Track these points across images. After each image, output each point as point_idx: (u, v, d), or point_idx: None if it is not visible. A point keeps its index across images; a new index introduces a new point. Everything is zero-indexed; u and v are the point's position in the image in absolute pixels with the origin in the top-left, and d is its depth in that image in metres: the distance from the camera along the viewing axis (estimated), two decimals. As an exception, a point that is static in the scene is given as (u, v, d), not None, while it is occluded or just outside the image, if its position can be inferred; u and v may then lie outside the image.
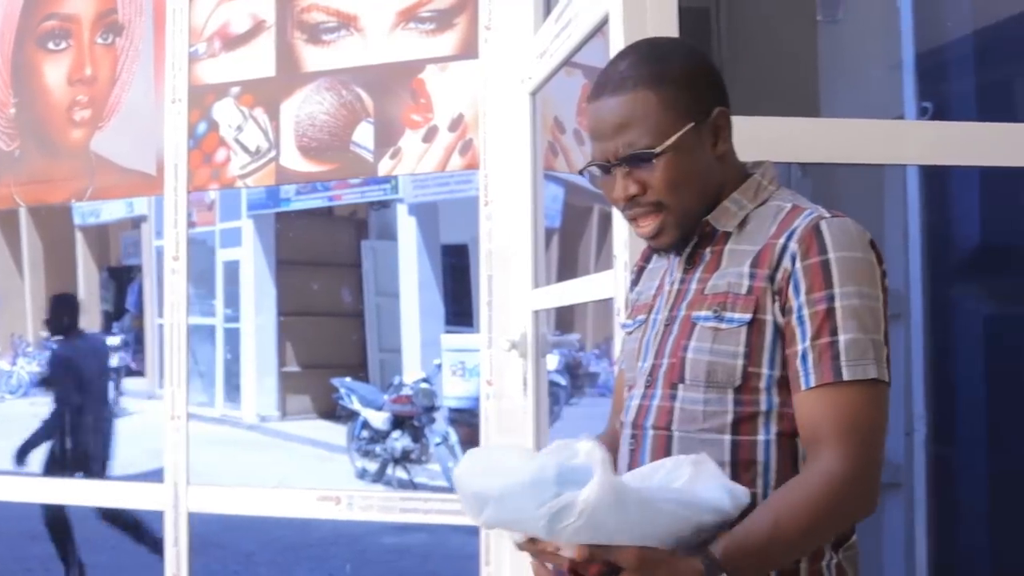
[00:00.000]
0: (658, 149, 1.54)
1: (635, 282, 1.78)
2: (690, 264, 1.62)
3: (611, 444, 1.71)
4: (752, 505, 1.47)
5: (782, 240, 1.52)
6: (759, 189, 1.61)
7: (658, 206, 1.57)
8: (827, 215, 1.52)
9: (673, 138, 1.54)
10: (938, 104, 3.29)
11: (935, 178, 3.28)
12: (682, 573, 1.35)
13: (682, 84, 1.56)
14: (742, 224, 1.59)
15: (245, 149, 3.49)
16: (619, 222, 2.16)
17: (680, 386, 1.55)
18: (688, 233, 1.60)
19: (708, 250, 1.60)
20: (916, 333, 3.21)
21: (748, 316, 1.51)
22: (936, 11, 3.43)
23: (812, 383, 1.46)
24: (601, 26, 2.38)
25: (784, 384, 1.51)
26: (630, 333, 1.70)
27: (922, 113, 3.28)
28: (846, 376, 1.45)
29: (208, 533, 6.67)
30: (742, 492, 1.43)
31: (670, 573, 1.35)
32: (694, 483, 1.41)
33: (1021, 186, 3.29)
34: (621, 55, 1.63)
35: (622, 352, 1.76)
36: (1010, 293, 3.30)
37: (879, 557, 3.29)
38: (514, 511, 1.34)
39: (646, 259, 1.78)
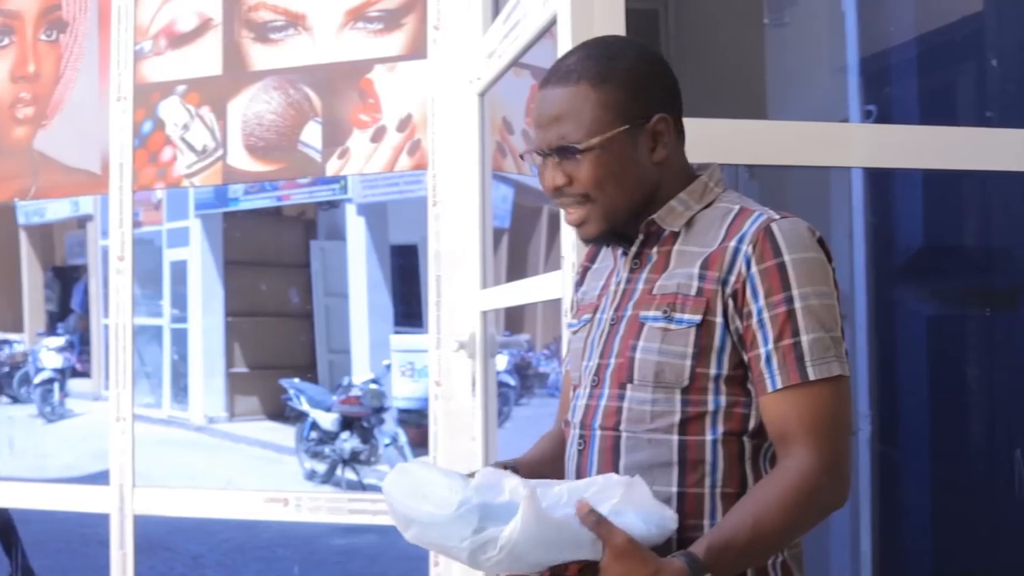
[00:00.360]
0: (582, 145, 1.56)
1: (580, 282, 1.79)
2: (636, 264, 1.62)
3: (557, 443, 1.73)
4: (697, 509, 1.50)
5: (733, 243, 1.53)
6: (705, 190, 1.62)
7: (584, 197, 1.59)
8: (776, 216, 1.54)
9: (600, 137, 1.55)
10: (882, 107, 3.33)
11: (879, 180, 3.31)
12: (664, 571, 1.36)
13: (624, 85, 1.57)
14: (689, 225, 1.60)
15: (191, 148, 3.47)
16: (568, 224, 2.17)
17: (628, 386, 1.56)
18: (616, 228, 1.61)
19: (655, 250, 1.61)
20: (860, 333, 3.25)
21: (698, 317, 1.52)
22: (880, 16, 3.47)
23: (779, 384, 1.48)
24: (549, 27, 2.39)
25: (731, 384, 1.52)
26: (575, 332, 1.71)
27: (866, 116, 3.32)
28: (812, 376, 1.47)
29: (155, 535, 6.62)
30: (670, 519, 1.45)
31: (653, 570, 1.36)
32: (623, 506, 1.41)
33: (963, 188, 3.34)
34: (575, 49, 1.64)
35: (568, 351, 1.76)
36: (952, 294, 3.34)
37: (826, 555, 3.32)
38: (439, 538, 1.38)
39: (591, 259, 1.79)
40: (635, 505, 1.42)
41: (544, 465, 1.73)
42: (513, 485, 1.35)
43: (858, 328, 3.25)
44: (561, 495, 1.42)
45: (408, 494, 1.43)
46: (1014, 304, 3.31)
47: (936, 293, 3.33)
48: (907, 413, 3.37)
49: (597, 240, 1.65)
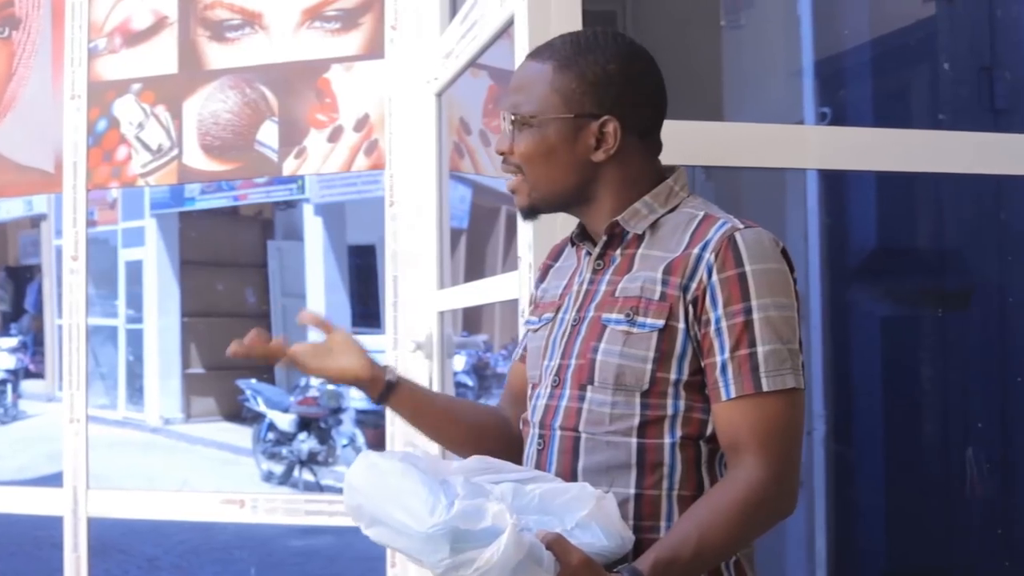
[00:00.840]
0: (521, 118, 1.60)
1: (541, 279, 1.79)
2: (600, 265, 1.62)
3: (476, 412, 1.84)
4: (654, 511, 1.51)
5: (696, 250, 1.53)
6: (671, 194, 1.62)
7: (518, 168, 1.63)
8: (741, 226, 1.54)
9: (542, 116, 1.58)
10: (836, 110, 3.36)
11: (834, 182, 3.34)
12: None
13: (585, 78, 1.58)
14: (654, 228, 1.60)
15: (146, 147, 3.44)
16: (524, 224, 2.17)
17: (589, 387, 1.56)
18: (539, 208, 1.65)
19: (618, 252, 1.61)
20: (815, 334, 3.27)
21: (661, 322, 1.52)
22: (835, 19, 3.50)
23: (733, 394, 1.49)
24: (507, 28, 2.39)
25: (689, 390, 1.53)
26: (536, 330, 1.70)
27: (821, 118, 3.35)
28: (766, 387, 1.48)
29: (109, 538, 6.56)
30: (629, 539, 1.46)
31: None
32: (590, 519, 1.42)
33: (916, 190, 3.38)
34: (575, 31, 1.69)
35: (525, 349, 1.77)
36: (905, 295, 3.38)
37: (781, 554, 3.35)
38: (409, 548, 1.37)
39: (554, 257, 1.79)
40: (602, 520, 1.43)
41: (433, 400, 1.83)
42: (497, 511, 1.34)
43: (813, 328, 3.28)
44: (533, 498, 1.43)
45: (379, 495, 1.41)
46: (966, 305, 3.35)
47: (889, 294, 3.36)
48: (861, 413, 3.40)
49: (526, 214, 1.67)
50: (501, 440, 1.77)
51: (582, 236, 1.67)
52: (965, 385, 3.37)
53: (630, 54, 1.62)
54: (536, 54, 1.63)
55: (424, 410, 1.79)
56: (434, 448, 2.40)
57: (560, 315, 1.65)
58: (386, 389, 1.74)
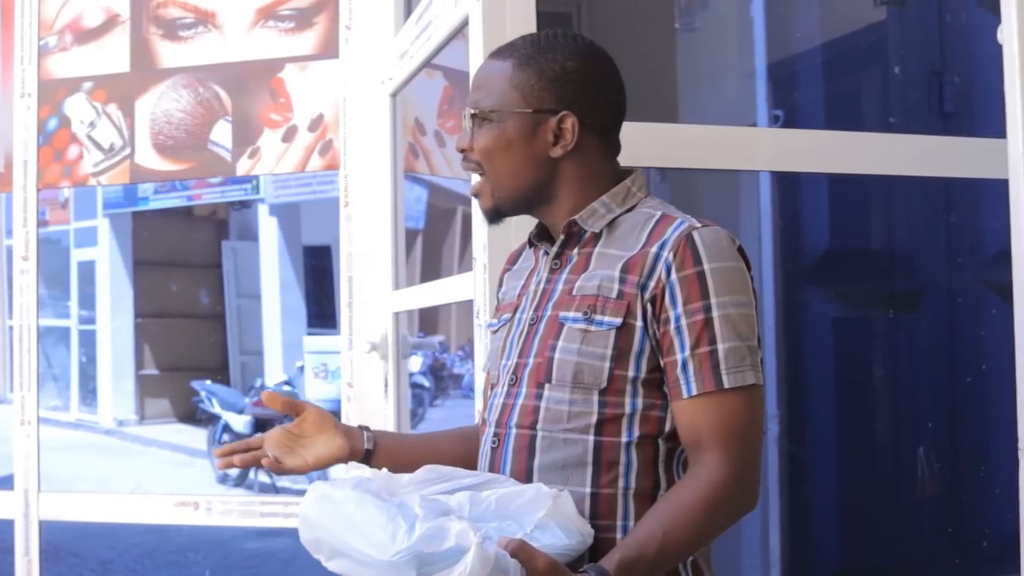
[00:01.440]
0: (481, 112, 1.61)
1: (500, 286, 1.80)
2: (557, 264, 1.63)
3: (461, 439, 1.79)
4: (609, 510, 1.52)
5: (654, 249, 1.54)
6: (628, 195, 1.63)
7: (478, 166, 1.64)
8: (698, 225, 1.55)
9: (500, 110, 1.60)
10: (789, 112, 3.39)
11: (787, 184, 3.37)
12: None
13: (544, 74, 1.59)
14: (611, 227, 1.61)
15: (98, 146, 3.41)
16: (479, 225, 2.17)
17: (547, 385, 1.56)
18: (501, 208, 1.65)
19: (575, 251, 1.62)
20: (768, 334, 3.30)
21: (618, 320, 1.53)
22: (787, 23, 3.52)
23: (694, 391, 1.50)
24: (461, 28, 2.39)
25: (648, 387, 1.53)
26: (495, 331, 1.71)
27: (774, 121, 3.37)
28: (727, 384, 1.49)
29: (62, 541, 6.48)
30: (589, 534, 1.47)
31: None
32: (548, 519, 1.42)
33: (867, 192, 3.41)
34: (536, 32, 1.73)
35: (488, 352, 1.77)
36: (857, 296, 3.41)
37: (737, 552, 3.37)
38: None
39: (511, 262, 1.80)
40: (560, 519, 1.43)
41: (415, 448, 1.80)
42: (460, 529, 1.34)
43: (766, 329, 3.30)
44: (490, 504, 1.43)
45: (337, 527, 1.40)
46: (916, 306, 3.39)
47: (841, 294, 3.39)
48: (814, 412, 3.43)
49: (490, 217, 1.67)
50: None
51: (540, 236, 1.68)
52: (915, 385, 3.41)
53: (589, 53, 1.63)
54: (497, 53, 1.65)
55: (407, 461, 1.75)
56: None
57: (517, 315, 1.66)
58: (365, 456, 1.74)
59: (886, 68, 3.39)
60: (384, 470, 1.55)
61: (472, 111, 1.62)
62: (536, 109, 1.59)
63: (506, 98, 1.60)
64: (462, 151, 1.65)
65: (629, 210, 1.62)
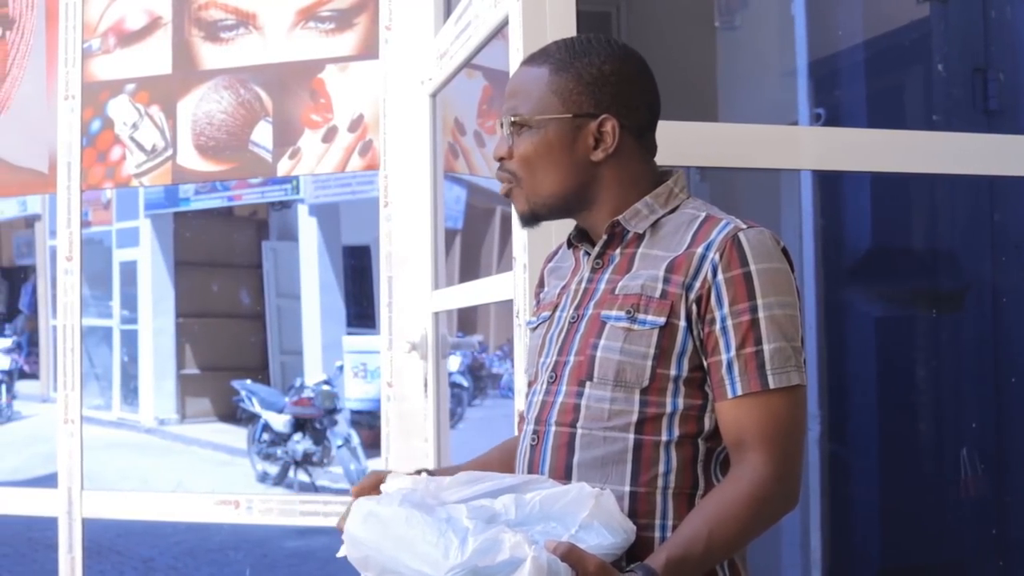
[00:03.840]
0: (521, 120, 1.61)
1: (540, 285, 1.80)
2: (599, 264, 1.63)
3: (510, 451, 1.75)
4: (648, 509, 1.52)
5: (700, 250, 1.54)
6: (671, 196, 1.63)
7: (513, 175, 1.64)
8: (743, 226, 1.55)
9: (539, 117, 1.60)
10: (830, 110, 3.36)
11: (828, 183, 3.34)
12: None
13: (582, 79, 1.60)
14: (654, 228, 1.61)
15: (140, 147, 3.44)
16: (519, 225, 2.17)
17: (588, 383, 1.57)
18: (539, 213, 1.65)
19: (618, 251, 1.62)
20: (810, 334, 3.28)
21: (662, 320, 1.53)
22: (829, 20, 3.50)
23: (739, 391, 1.50)
24: (501, 28, 2.39)
25: (689, 387, 1.54)
26: (534, 329, 1.72)
27: (815, 119, 3.35)
28: (772, 384, 1.49)
29: (104, 539, 6.55)
30: (631, 530, 1.47)
31: None
32: (592, 519, 1.43)
33: (910, 191, 3.38)
34: (568, 37, 1.70)
35: (527, 349, 1.77)
36: (899, 295, 3.38)
37: (777, 552, 3.35)
38: None
39: (550, 259, 1.80)
40: (603, 518, 1.44)
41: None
42: (515, 542, 1.33)
43: (808, 329, 3.28)
44: (534, 506, 1.44)
45: (386, 545, 1.40)
46: (960, 305, 3.35)
47: (884, 294, 3.36)
48: (856, 413, 3.40)
49: (526, 221, 1.68)
50: None
51: (580, 237, 1.69)
52: (959, 385, 3.38)
53: (624, 56, 1.64)
54: (531, 60, 1.65)
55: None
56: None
57: (558, 313, 1.66)
58: None
59: (929, 65, 3.35)
60: (424, 474, 1.55)
61: (512, 118, 1.62)
62: (576, 114, 1.60)
63: (545, 104, 1.60)
64: (500, 159, 1.65)
65: (672, 211, 1.63)
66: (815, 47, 3.40)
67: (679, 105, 1.97)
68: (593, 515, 1.43)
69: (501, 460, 1.78)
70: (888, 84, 3.44)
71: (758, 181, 3.32)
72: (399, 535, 1.40)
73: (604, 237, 1.63)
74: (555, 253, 1.79)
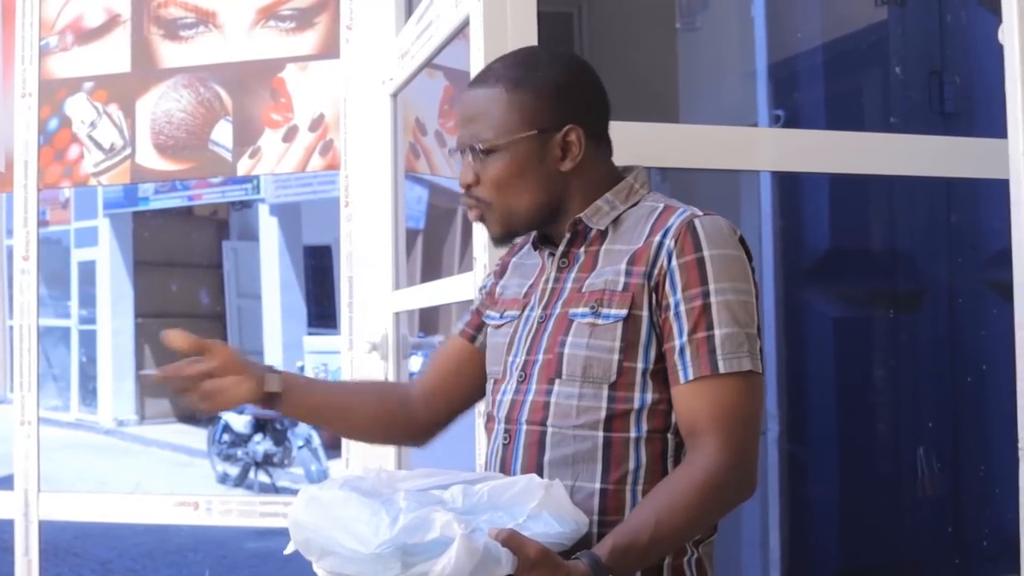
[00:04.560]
0: (487, 145, 1.60)
1: (500, 274, 1.80)
2: (564, 263, 1.64)
3: (379, 395, 1.86)
4: (618, 505, 1.53)
5: (658, 238, 1.55)
6: (631, 191, 1.65)
7: (480, 201, 1.63)
8: (700, 214, 1.57)
9: (507, 139, 1.59)
10: (790, 112, 3.39)
11: (787, 184, 3.37)
12: (571, 574, 1.37)
13: (539, 93, 1.60)
14: (616, 224, 1.62)
15: (99, 146, 3.41)
16: (480, 226, 2.17)
17: (557, 381, 1.58)
18: (514, 231, 1.66)
19: (582, 250, 1.63)
20: (769, 334, 3.30)
21: (624, 312, 1.54)
22: (788, 23, 3.52)
23: (690, 376, 1.50)
24: (462, 28, 2.39)
25: (657, 380, 1.54)
26: (499, 327, 1.72)
27: (775, 121, 3.37)
28: (722, 369, 1.49)
29: (62, 541, 6.49)
30: (583, 522, 1.46)
31: (562, 575, 1.37)
32: (540, 509, 1.43)
33: (868, 193, 3.41)
34: (505, 55, 1.69)
35: (476, 330, 1.78)
36: (857, 296, 3.41)
37: (737, 551, 3.37)
38: (359, 573, 1.37)
39: (515, 252, 1.80)
40: (552, 508, 1.43)
41: (326, 394, 1.83)
42: (445, 521, 1.34)
43: (767, 329, 3.30)
44: (482, 495, 1.43)
45: (325, 524, 1.41)
46: (916, 306, 3.39)
47: (842, 295, 3.39)
48: (814, 413, 3.42)
49: (500, 241, 1.69)
50: (402, 423, 1.81)
51: (543, 240, 1.70)
52: (916, 385, 3.41)
53: (573, 64, 1.66)
54: (480, 81, 1.64)
55: (315, 406, 1.79)
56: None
57: (526, 312, 1.67)
58: (273, 399, 1.73)
59: (887, 68, 3.38)
60: (377, 468, 1.55)
61: (477, 145, 1.61)
62: (541, 128, 1.60)
63: (508, 124, 1.60)
64: (467, 187, 1.63)
65: (633, 206, 1.64)
66: (775, 49, 3.42)
67: (640, 106, 1.99)
68: (542, 505, 1.42)
69: (367, 395, 1.85)
70: (846, 86, 3.46)
71: (718, 182, 3.33)
72: (335, 515, 1.41)
73: (567, 236, 1.64)
74: (520, 247, 1.80)
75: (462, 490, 1.44)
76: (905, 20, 3.37)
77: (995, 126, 1.85)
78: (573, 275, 1.62)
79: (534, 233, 1.71)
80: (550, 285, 1.65)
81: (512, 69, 1.62)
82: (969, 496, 3.32)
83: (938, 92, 3.31)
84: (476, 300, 1.83)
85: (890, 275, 3.44)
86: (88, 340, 13.88)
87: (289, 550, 1.51)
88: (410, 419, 1.81)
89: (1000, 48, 1.75)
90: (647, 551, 1.44)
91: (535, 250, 1.73)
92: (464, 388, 1.80)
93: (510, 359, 1.66)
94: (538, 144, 1.60)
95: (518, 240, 1.79)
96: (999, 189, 1.82)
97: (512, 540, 1.34)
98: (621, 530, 1.44)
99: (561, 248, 1.65)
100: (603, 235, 1.62)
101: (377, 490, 1.45)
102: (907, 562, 3.36)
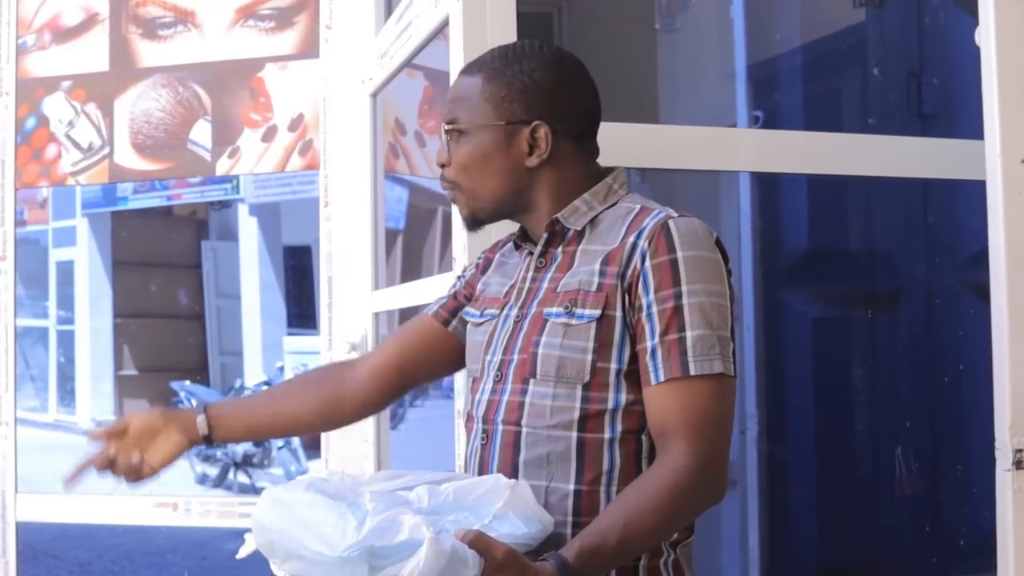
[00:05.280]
0: (456, 127, 1.64)
1: (483, 269, 1.81)
2: (542, 263, 1.65)
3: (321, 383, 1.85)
4: (592, 506, 1.53)
5: (632, 239, 1.56)
6: (609, 192, 1.66)
7: (452, 184, 1.67)
8: (675, 215, 1.57)
9: (474, 124, 1.63)
10: (768, 113, 3.40)
11: (766, 184, 3.38)
12: (537, 575, 1.37)
13: (513, 86, 1.62)
14: (593, 224, 1.63)
15: (77, 146, 3.40)
16: (459, 226, 2.17)
17: (531, 381, 1.58)
18: (479, 217, 1.68)
19: (560, 250, 1.64)
20: (748, 334, 3.31)
21: (597, 312, 1.54)
22: (767, 24, 3.53)
23: (661, 378, 1.51)
24: (442, 28, 2.39)
25: (631, 381, 1.55)
26: (479, 325, 1.72)
27: (754, 121, 3.38)
28: (693, 371, 1.50)
29: (40, 543, 6.45)
30: (548, 521, 1.47)
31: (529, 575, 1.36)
32: (506, 509, 1.43)
33: (846, 193, 3.42)
34: (504, 44, 1.73)
35: (469, 344, 1.78)
36: (836, 296, 3.42)
37: (716, 551, 3.38)
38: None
39: (498, 248, 1.82)
40: (518, 508, 1.43)
41: (255, 408, 1.88)
42: (413, 523, 1.33)
43: (746, 329, 3.31)
44: (448, 496, 1.43)
45: (290, 527, 1.40)
46: (894, 306, 3.40)
47: (821, 295, 3.40)
48: (793, 412, 3.43)
49: (469, 225, 1.71)
50: (349, 403, 1.83)
51: (524, 238, 1.71)
52: (894, 385, 3.43)
53: (557, 62, 1.66)
54: (467, 69, 1.68)
55: (249, 424, 1.84)
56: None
57: (505, 311, 1.68)
58: (207, 439, 1.78)
59: (865, 69, 3.40)
60: (342, 471, 1.55)
61: (447, 126, 1.65)
62: (508, 121, 1.62)
63: (479, 112, 1.63)
64: (441, 166, 1.68)
65: (611, 207, 1.64)
66: (754, 50, 3.43)
67: (620, 106, 1.99)
68: (508, 505, 1.42)
69: (295, 390, 1.88)
70: (825, 88, 3.48)
71: (698, 182, 3.34)
72: (301, 518, 1.40)
73: (545, 236, 1.65)
74: (503, 245, 1.81)
75: (428, 490, 1.43)
76: (883, 22, 3.38)
77: (972, 127, 1.87)
78: (550, 275, 1.63)
79: (515, 234, 1.72)
80: (527, 285, 1.66)
81: (496, 60, 1.66)
82: (946, 495, 3.34)
83: (916, 93, 3.32)
84: (454, 284, 1.84)
85: (868, 275, 3.45)
86: (66, 340, 13.79)
87: (244, 553, 1.50)
88: (356, 396, 1.83)
89: (977, 50, 1.77)
90: (616, 553, 1.44)
91: (516, 250, 1.73)
92: (424, 368, 1.83)
93: (488, 358, 1.67)
94: (504, 136, 1.62)
95: (501, 238, 1.80)
96: (976, 190, 1.83)
97: (479, 542, 1.34)
98: (589, 531, 1.44)
99: (539, 248, 1.66)
100: (580, 235, 1.63)
101: (341, 493, 1.44)
102: (885, 560, 3.38)
